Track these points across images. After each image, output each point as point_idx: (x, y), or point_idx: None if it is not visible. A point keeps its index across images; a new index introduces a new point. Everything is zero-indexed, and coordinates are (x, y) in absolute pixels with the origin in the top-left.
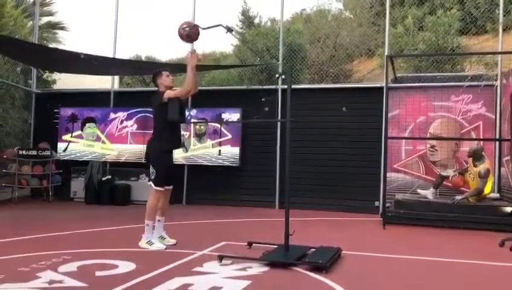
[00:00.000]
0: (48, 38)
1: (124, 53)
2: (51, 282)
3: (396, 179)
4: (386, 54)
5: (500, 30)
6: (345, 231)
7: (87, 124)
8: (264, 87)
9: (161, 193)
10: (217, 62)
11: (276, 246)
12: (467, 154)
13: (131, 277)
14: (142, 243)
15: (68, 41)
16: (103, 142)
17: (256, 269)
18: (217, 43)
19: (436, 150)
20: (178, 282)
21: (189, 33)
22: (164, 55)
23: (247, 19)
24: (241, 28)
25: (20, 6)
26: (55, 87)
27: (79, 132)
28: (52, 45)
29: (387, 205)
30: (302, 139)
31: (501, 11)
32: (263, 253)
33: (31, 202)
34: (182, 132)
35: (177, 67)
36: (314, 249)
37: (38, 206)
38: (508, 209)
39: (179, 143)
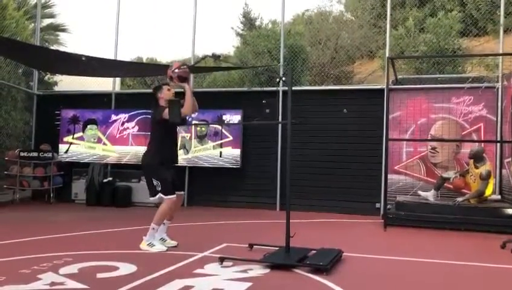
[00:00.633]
0: (50, 40)
1: (126, 55)
2: (52, 284)
3: (398, 180)
4: (386, 55)
5: (501, 32)
6: (346, 233)
7: (88, 126)
8: (265, 89)
9: (173, 200)
10: (218, 64)
11: (277, 248)
12: (468, 156)
13: (132, 278)
14: (143, 245)
15: (70, 43)
16: (104, 144)
17: (257, 271)
18: (218, 44)
19: (437, 151)
20: (179, 284)
21: (180, 73)
22: (165, 56)
23: (248, 21)
24: (242, 30)
25: (22, 9)
26: (57, 89)
27: (80, 134)
28: (54, 47)
29: (388, 206)
30: (303, 140)
31: (502, 13)
32: (264, 255)
33: (32, 204)
34: (183, 134)
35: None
36: (315, 251)
37: (39, 208)
38: (509, 211)
39: (175, 158)
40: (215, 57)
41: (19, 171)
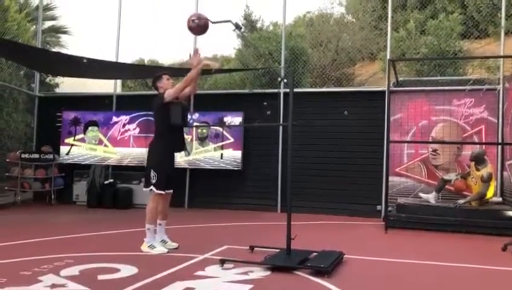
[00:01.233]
0: (51, 42)
1: (127, 56)
2: (53, 286)
3: (399, 183)
4: (387, 58)
5: (502, 34)
6: (347, 235)
7: (89, 128)
8: (266, 91)
9: (161, 196)
10: (219, 66)
11: (278, 250)
12: (469, 158)
13: (134, 280)
14: (144, 247)
15: (71, 45)
16: (105, 145)
17: (258, 273)
18: (219, 46)
19: (438, 153)
20: (180, 286)
21: (200, 23)
22: (167, 58)
23: (250, 23)
24: (244, 32)
25: (23, 11)
26: (58, 90)
27: (81, 136)
28: (55, 49)
29: (389, 209)
30: (304, 142)
31: (503, 15)
32: (265, 257)
33: (34, 206)
34: (184, 136)
35: (179, 71)
36: (316, 253)
37: (40, 210)
38: (511, 213)
39: (181, 145)
40: (237, 26)
41: (20, 173)
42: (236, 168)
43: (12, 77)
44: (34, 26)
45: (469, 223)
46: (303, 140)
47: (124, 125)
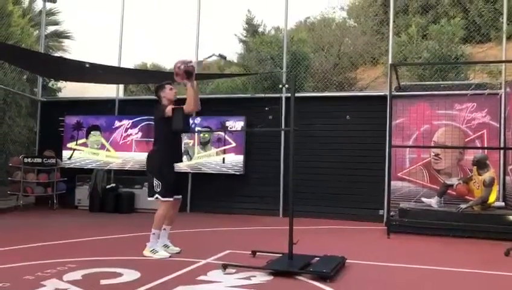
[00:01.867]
0: (54, 46)
1: (129, 61)
2: None
3: (401, 187)
4: (389, 62)
5: (504, 38)
6: (349, 240)
7: (92, 132)
8: (268, 95)
9: (170, 203)
10: (221, 70)
11: (280, 255)
12: (472, 163)
13: (136, 285)
14: (147, 252)
15: (74, 50)
16: (108, 150)
17: (260, 278)
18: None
19: (440, 158)
20: None
21: (187, 69)
22: (169, 62)
23: (252, 28)
24: (246, 37)
25: (26, 16)
26: (61, 95)
27: (84, 140)
28: (58, 53)
29: (392, 213)
30: (305, 147)
31: (505, 20)
32: (267, 262)
33: (36, 210)
34: (186, 140)
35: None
36: (318, 258)
37: (42, 214)
38: None
39: (180, 156)
40: (222, 57)
41: (22, 177)
42: (238, 173)
43: (15, 81)
44: (37, 31)
45: (471, 228)
46: (305, 145)
47: (126, 130)
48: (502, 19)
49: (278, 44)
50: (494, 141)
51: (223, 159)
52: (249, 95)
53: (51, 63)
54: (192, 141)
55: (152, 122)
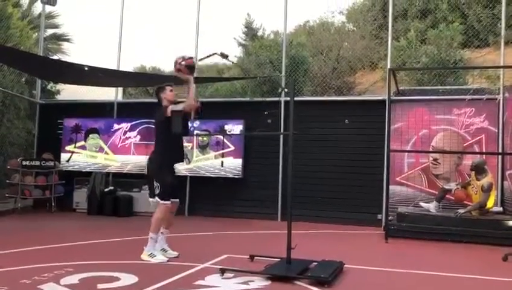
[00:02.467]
0: (53, 49)
1: (128, 64)
2: None
3: (399, 192)
4: (388, 67)
5: (502, 44)
6: (348, 244)
7: (90, 135)
8: (267, 99)
9: (167, 206)
10: (220, 74)
11: (278, 260)
12: (470, 168)
13: (133, 289)
14: (144, 256)
15: (73, 52)
16: (106, 153)
17: (258, 282)
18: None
19: (438, 163)
20: None
21: (188, 64)
22: (168, 65)
23: (251, 31)
24: (245, 40)
25: (26, 18)
26: (59, 97)
27: (82, 143)
28: (57, 56)
29: (390, 218)
30: (304, 151)
31: (503, 25)
32: (265, 266)
33: (34, 213)
34: (185, 143)
35: (180, 79)
36: (316, 263)
37: (40, 217)
38: (511, 223)
39: (181, 156)
40: (224, 56)
41: (20, 180)
42: (237, 176)
43: (14, 83)
44: (36, 34)
45: (469, 233)
46: (304, 149)
47: (124, 133)
48: (500, 24)
49: (277, 48)
50: (492, 146)
51: (222, 162)
52: (248, 99)
53: (50, 66)
54: (191, 145)
55: (151, 126)
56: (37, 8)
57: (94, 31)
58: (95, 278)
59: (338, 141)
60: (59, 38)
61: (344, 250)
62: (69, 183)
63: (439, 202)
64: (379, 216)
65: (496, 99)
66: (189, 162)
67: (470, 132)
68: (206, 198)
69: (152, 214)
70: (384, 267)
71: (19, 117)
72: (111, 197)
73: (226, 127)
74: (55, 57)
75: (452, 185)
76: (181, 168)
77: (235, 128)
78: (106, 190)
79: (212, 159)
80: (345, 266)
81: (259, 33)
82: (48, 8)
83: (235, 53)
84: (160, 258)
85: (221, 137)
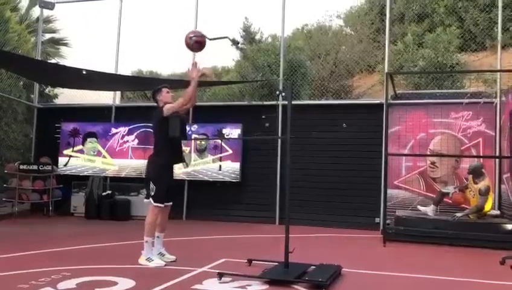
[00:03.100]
0: (51, 53)
1: (126, 68)
2: None
3: (397, 195)
4: (385, 70)
5: (499, 47)
6: (345, 248)
7: (88, 139)
8: (265, 103)
9: (160, 209)
10: (218, 77)
11: (276, 264)
12: (467, 171)
13: None
14: (142, 260)
15: (70, 56)
16: (104, 157)
17: (256, 286)
18: (218, 58)
19: (436, 166)
20: None
21: (198, 40)
22: (166, 69)
23: (249, 35)
24: (243, 44)
25: (24, 22)
26: (57, 101)
27: (80, 147)
28: (55, 60)
29: (388, 221)
30: (302, 155)
31: (499, 29)
32: (263, 271)
33: (31, 217)
34: (183, 147)
35: (178, 82)
36: (314, 267)
37: (38, 221)
38: (509, 226)
39: (179, 158)
40: (234, 42)
41: (18, 184)
42: (234, 180)
43: (11, 87)
44: (34, 38)
45: (467, 237)
46: (301, 152)
47: (122, 137)
48: (497, 28)
49: (274, 51)
50: (490, 150)
51: (220, 166)
52: (245, 103)
53: (48, 70)
54: (188, 148)
55: (149, 130)
56: (35, 12)
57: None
58: (92, 283)
59: (336, 145)
60: (57, 42)
61: (342, 254)
62: (66, 188)
63: (437, 205)
64: (377, 220)
65: (493, 102)
66: (187, 165)
67: (467, 136)
68: (204, 202)
69: None
70: (382, 271)
71: (16, 121)
72: (109, 201)
73: (224, 130)
74: (53, 61)
75: (450, 189)
76: (179, 172)
77: (233, 132)
78: (104, 193)
79: (210, 163)
80: (343, 269)
81: (257, 37)
82: (46, 12)
83: (233, 57)
84: (157, 262)
85: (219, 141)
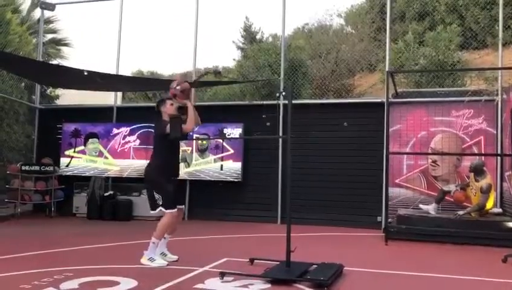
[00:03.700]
0: (52, 54)
1: (127, 68)
2: None
3: (398, 194)
4: (386, 69)
5: (500, 45)
6: (347, 247)
7: (90, 140)
8: (266, 102)
9: (174, 214)
10: (219, 77)
11: (277, 263)
12: (469, 169)
13: None
14: (144, 260)
15: (72, 57)
16: (106, 157)
17: (258, 286)
18: (219, 58)
19: (437, 165)
20: None
21: (183, 88)
22: (166, 69)
23: (249, 35)
24: (243, 44)
25: (25, 24)
26: (59, 102)
27: (82, 147)
28: (56, 60)
29: (390, 220)
30: (303, 154)
31: (500, 27)
32: (265, 270)
33: (33, 218)
34: (184, 147)
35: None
36: (315, 266)
37: (40, 222)
38: (511, 224)
39: (177, 173)
40: (216, 72)
41: (20, 185)
42: (236, 180)
43: (13, 88)
44: (35, 39)
45: (469, 235)
46: (303, 151)
47: (124, 137)
48: (498, 25)
49: (275, 51)
50: (491, 148)
51: (221, 166)
52: (246, 102)
53: (49, 71)
54: (190, 148)
55: (150, 130)
56: (36, 13)
57: (93, 36)
58: (94, 283)
59: (337, 144)
60: (58, 43)
61: (344, 252)
62: (68, 188)
63: (439, 203)
64: (379, 218)
65: (494, 100)
66: (189, 165)
67: (468, 134)
68: (206, 202)
69: (157, 219)
70: (384, 270)
71: (18, 122)
72: (110, 202)
73: (225, 130)
74: (54, 62)
75: (451, 187)
76: (181, 172)
77: (234, 131)
78: (106, 194)
79: (211, 163)
80: (345, 268)
81: (258, 36)
82: (47, 14)
83: (233, 56)
84: (159, 262)
85: (220, 140)
